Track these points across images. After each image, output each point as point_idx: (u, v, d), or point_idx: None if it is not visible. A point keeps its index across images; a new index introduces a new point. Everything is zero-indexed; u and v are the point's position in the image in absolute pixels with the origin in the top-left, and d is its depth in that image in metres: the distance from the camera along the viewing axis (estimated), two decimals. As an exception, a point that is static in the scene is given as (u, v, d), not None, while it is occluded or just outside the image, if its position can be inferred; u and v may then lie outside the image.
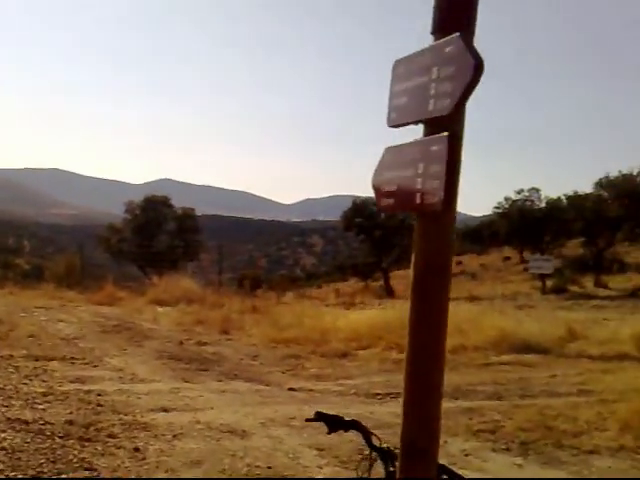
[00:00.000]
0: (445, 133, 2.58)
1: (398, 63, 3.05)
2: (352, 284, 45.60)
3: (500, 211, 38.60)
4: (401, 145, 2.95)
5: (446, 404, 8.84)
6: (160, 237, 34.09)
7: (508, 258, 56.60)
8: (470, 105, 2.66)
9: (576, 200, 34.91)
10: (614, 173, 33.47)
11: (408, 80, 2.92)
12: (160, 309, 17.50)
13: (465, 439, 7.49)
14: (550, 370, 11.07)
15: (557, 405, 8.82)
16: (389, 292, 32.68)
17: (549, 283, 30.31)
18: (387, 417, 7.80)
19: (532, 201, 36.18)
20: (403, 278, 43.72)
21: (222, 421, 7.36)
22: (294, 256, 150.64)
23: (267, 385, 9.55)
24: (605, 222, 32.33)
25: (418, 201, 2.70)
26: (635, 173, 33.19)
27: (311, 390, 9.29)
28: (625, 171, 33.19)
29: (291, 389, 9.34)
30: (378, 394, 9.18)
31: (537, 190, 36.42)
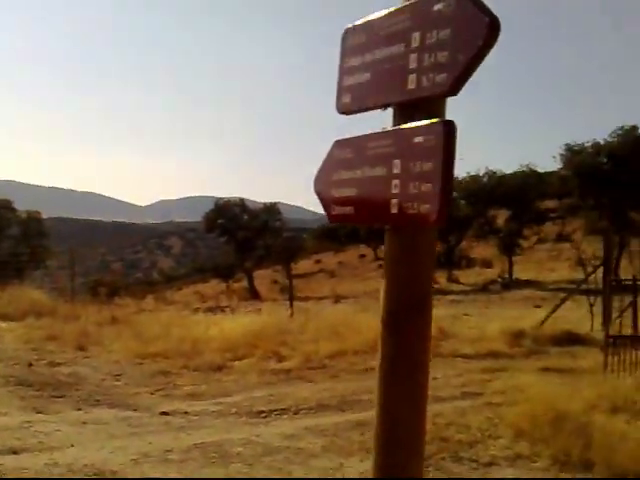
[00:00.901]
0: (436, 120, 1.86)
1: (352, 31, 2.29)
2: (213, 285, 44.55)
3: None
4: (362, 137, 2.21)
5: (334, 418, 8.17)
6: (2, 244, 31.29)
7: (364, 256, 57.61)
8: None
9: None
10: (462, 175, 34.80)
11: (369, 51, 2.18)
12: (3, 324, 15.52)
13: (361, 458, 6.85)
14: (430, 373, 10.73)
15: (446, 412, 8.43)
16: (254, 294, 31.93)
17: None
18: (276, 440, 7.02)
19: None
20: (264, 278, 43.23)
21: (86, 461, 6.17)
22: (151, 258, 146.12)
23: (135, 410, 8.43)
24: (455, 221, 33.45)
25: (394, 211, 1.95)
26: (481, 174, 34.60)
27: (187, 413, 8.30)
28: (473, 172, 34.58)
29: (164, 413, 8.29)
30: (262, 412, 8.37)
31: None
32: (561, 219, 36.70)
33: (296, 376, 10.36)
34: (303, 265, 54.06)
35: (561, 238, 44.74)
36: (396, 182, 2.02)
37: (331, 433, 7.37)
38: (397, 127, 2.08)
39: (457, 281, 32.64)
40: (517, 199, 32.61)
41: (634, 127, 27.91)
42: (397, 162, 2.02)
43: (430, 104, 2.01)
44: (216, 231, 34.87)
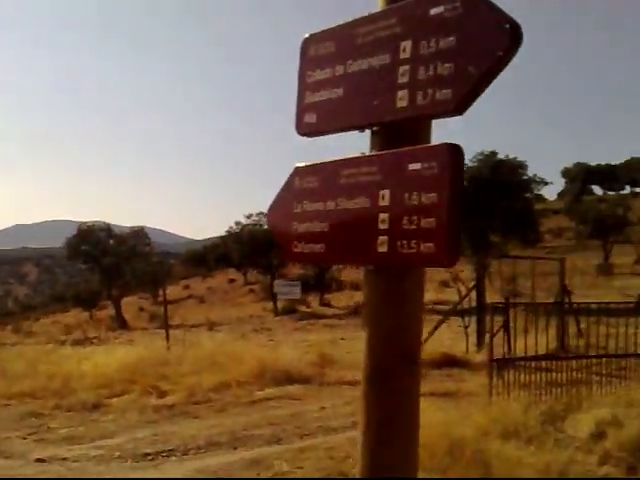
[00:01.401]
0: (439, 143, 1.59)
1: (315, 40, 1.99)
2: (75, 315, 42.21)
3: (235, 232, 38.30)
4: (333, 163, 1.89)
5: (227, 457, 7.67)
6: None
7: (233, 280, 56.98)
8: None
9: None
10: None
11: (341, 63, 1.88)
12: None
13: (260, 501, 6.46)
14: (318, 401, 10.51)
15: (340, 443, 8.18)
16: (122, 323, 30.43)
17: (279, 304, 30.69)
18: (168, 486, 6.47)
19: (261, 225, 36.51)
20: (130, 305, 41.43)
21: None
22: (4, 287, 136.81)
23: (8, 458, 7.56)
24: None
25: (382, 249, 1.64)
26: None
27: (65, 459, 7.50)
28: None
29: (40, 460, 7.46)
30: (148, 454, 7.72)
31: (265, 214, 36.84)
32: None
33: (180, 412, 9.74)
34: (172, 291, 52.54)
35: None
36: (384, 216, 1.73)
37: (225, 474, 6.91)
38: (384, 152, 1.78)
39: (329, 304, 32.84)
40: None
41: (493, 152, 29.35)
42: (385, 193, 1.73)
43: (420, 126, 1.74)
44: (80, 257, 32.98)
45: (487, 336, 14.23)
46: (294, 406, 10.30)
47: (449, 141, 1.61)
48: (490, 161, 29.16)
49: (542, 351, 11.66)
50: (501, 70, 1.53)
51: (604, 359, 10.04)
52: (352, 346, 16.86)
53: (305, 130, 2.09)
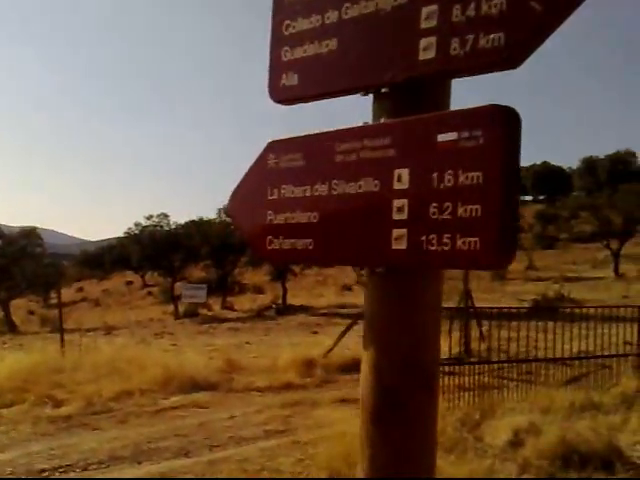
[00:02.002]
0: (488, 105, 1.23)
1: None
2: (-44, 318, 39.41)
3: (134, 234, 36.83)
4: (325, 135, 1.49)
5: (131, 472, 7.06)
6: None
7: (131, 282, 55.18)
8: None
9: (202, 226, 35.20)
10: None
11: (334, 7, 1.47)
12: None
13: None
14: (227, 410, 10.01)
15: (252, 454, 7.76)
16: (11, 327, 28.56)
17: (181, 307, 29.79)
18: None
19: (162, 226, 35.32)
20: (19, 309, 39.09)
21: None
22: None
23: None
24: (230, 247, 33.17)
25: (399, 246, 1.26)
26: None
27: (-53, 480, 6.71)
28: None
29: None
30: (44, 470, 7.04)
31: (166, 216, 35.71)
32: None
33: (78, 423, 8.99)
34: (65, 293, 50.14)
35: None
36: (401, 203, 1.34)
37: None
38: (401, 119, 1.39)
39: (231, 308, 32.16)
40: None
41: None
42: (402, 172, 1.34)
43: (441, 88, 1.38)
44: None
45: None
46: (202, 415, 9.77)
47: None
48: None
49: (447, 356, 11.70)
50: (575, 7, 1.18)
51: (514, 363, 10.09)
52: (259, 350, 16.49)
53: (283, 95, 1.68)
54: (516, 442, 7.15)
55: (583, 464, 6.30)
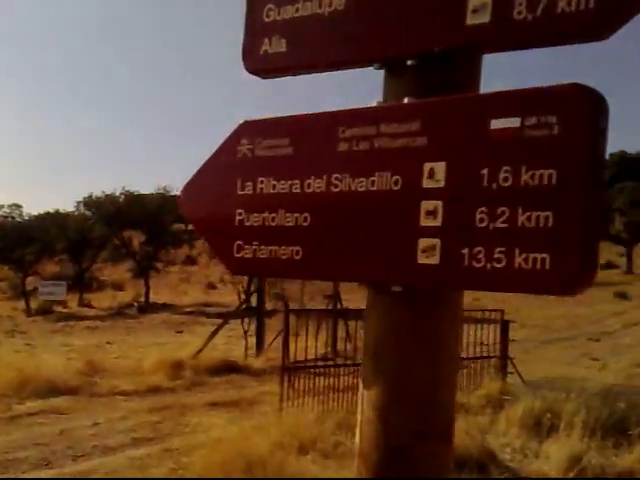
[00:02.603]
0: (569, 83, 0.98)
1: None
2: None
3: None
4: (323, 115, 1.19)
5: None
6: None
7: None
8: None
9: (58, 218, 33.22)
10: (97, 193, 32.94)
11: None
12: None
13: None
14: (90, 416, 9.31)
15: (120, 465, 7.24)
16: None
17: (33, 304, 27.88)
18: None
19: (14, 217, 32.89)
20: None
21: None
22: None
23: None
24: (89, 241, 31.56)
25: (428, 259, 1.00)
26: (118, 194, 33.16)
27: None
28: (108, 191, 32.90)
29: None
30: None
31: (19, 206, 33.30)
32: (190, 242, 37.09)
33: None
34: None
35: (190, 261, 45.55)
36: (432, 205, 1.07)
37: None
38: (437, 98, 1.12)
39: (90, 305, 30.50)
40: (154, 221, 31.86)
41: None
42: (437, 167, 1.07)
43: (474, 59, 1.13)
44: None
45: (271, 341, 13.99)
46: (62, 422, 9.02)
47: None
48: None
49: (317, 356, 11.62)
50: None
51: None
52: (121, 351, 15.68)
53: (264, 64, 1.35)
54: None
55: (459, 467, 6.33)
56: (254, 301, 14.94)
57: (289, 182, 1.28)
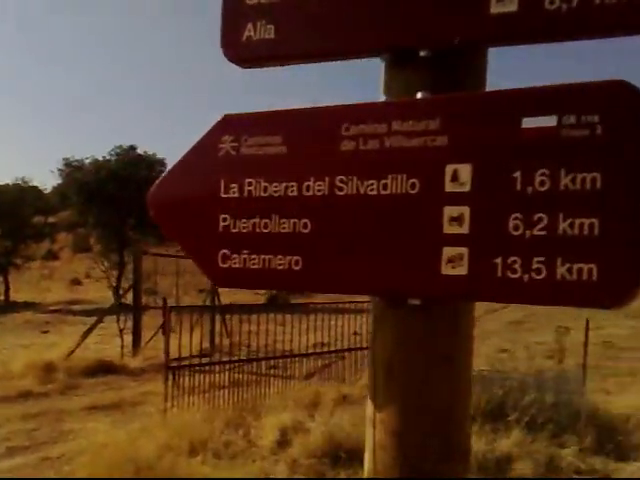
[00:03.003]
0: (611, 80, 0.95)
1: None
2: None
3: None
4: (323, 110, 1.09)
5: None
6: None
7: None
8: None
9: None
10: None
11: None
12: None
13: None
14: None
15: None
16: None
17: None
18: None
19: None
20: None
21: None
22: None
23: None
24: None
25: (455, 270, 0.95)
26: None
27: None
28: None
29: None
30: None
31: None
32: (51, 236, 35.16)
33: None
34: None
35: (51, 256, 43.25)
36: (458, 211, 0.98)
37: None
38: (462, 93, 1.03)
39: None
40: (11, 214, 29.87)
41: (132, 147, 28.41)
42: (461, 169, 0.99)
43: (482, 53, 1.06)
44: None
45: (149, 339, 13.49)
46: None
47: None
48: (128, 156, 28.19)
49: (197, 352, 11.34)
50: None
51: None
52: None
53: (247, 52, 1.21)
54: (283, 441, 7.05)
55: (350, 460, 6.37)
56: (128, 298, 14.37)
57: (284, 184, 1.16)
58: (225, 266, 1.22)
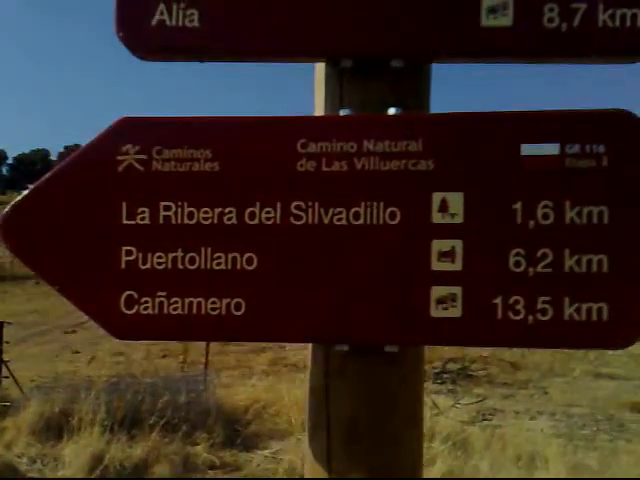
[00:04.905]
0: (614, 109, 0.98)
1: None
2: None
3: None
4: (269, 122, 0.91)
5: None
6: None
7: None
8: None
9: None
10: None
11: None
12: None
13: None
14: None
15: None
16: None
17: None
18: None
19: None
20: None
21: None
22: None
23: None
24: None
25: (452, 313, 0.87)
26: None
27: None
28: None
29: None
30: None
31: None
32: None
33: None
34: None
35: None
36: (449, 245, 0.83)
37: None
38: (452, 113, 0.87)
39: None
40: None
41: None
42: (451, 198, 0.83)
43: (426, 70, 0.95)
44: None
45: None
46: None
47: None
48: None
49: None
50: None
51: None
52: None
53: (158, 41, 0.91)
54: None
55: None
56: None
57: (218, 210, 0.88)
58: (131, 312, 0.90)
